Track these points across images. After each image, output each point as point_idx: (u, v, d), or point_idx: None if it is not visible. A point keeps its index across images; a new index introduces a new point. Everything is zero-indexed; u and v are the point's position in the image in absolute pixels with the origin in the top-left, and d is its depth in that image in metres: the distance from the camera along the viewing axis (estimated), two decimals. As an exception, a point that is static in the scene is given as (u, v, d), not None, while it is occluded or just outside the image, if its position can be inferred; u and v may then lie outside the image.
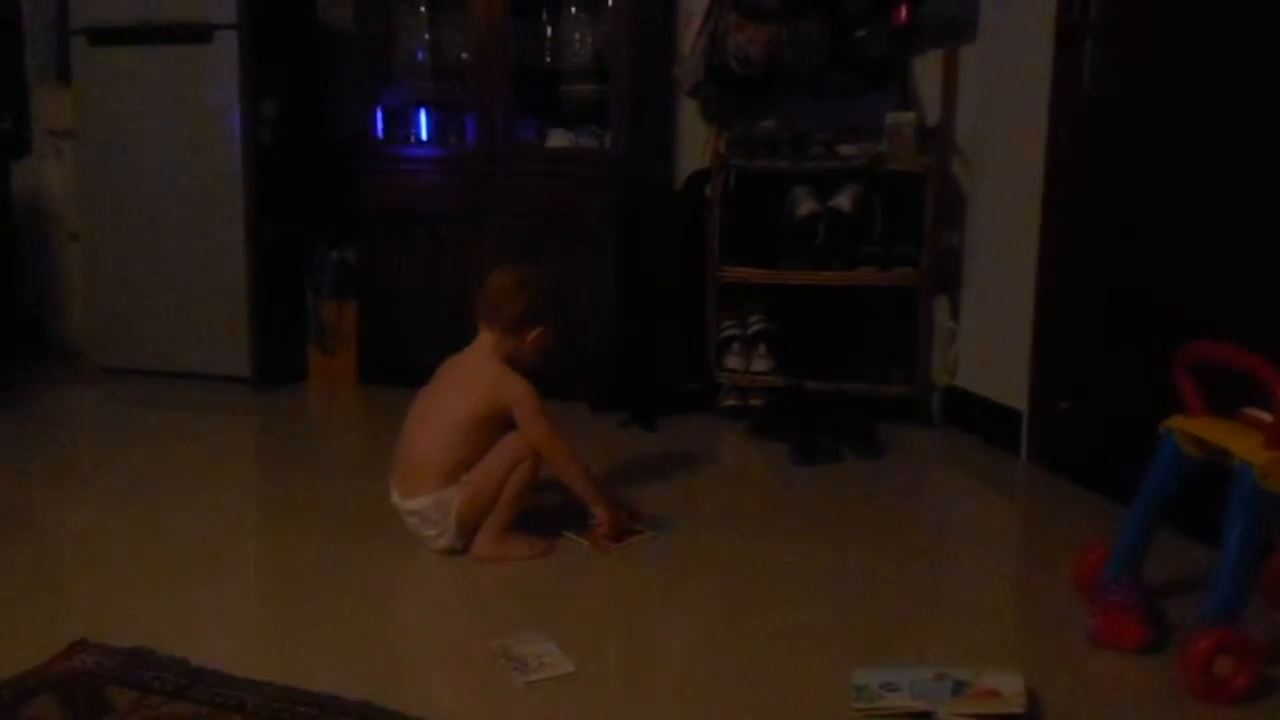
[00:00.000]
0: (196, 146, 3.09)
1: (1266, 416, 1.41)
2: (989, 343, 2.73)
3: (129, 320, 3.24)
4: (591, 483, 1.87)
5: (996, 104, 2.71)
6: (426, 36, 3.26)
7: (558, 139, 3.12)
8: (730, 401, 2.93)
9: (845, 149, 2.86)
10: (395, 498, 1.87)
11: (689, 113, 3.25)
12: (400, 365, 3.15)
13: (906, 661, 1.45)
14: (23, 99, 3.65)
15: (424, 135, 3.30)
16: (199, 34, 3.03)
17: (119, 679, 1.39)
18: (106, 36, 3.13)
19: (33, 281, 3.67)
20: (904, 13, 2.83)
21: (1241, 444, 1.41)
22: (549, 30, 3.16)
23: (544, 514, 2.01)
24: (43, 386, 3.21)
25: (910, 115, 2.84)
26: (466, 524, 1.83)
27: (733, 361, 2.97)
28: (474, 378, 1.87)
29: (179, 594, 1.70)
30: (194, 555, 1.87)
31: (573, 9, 3.14)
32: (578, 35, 3.14)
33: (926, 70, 2.95)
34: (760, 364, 2.94)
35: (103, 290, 3.27)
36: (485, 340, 1.90)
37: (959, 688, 1.35)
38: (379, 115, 3.22)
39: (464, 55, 3.14)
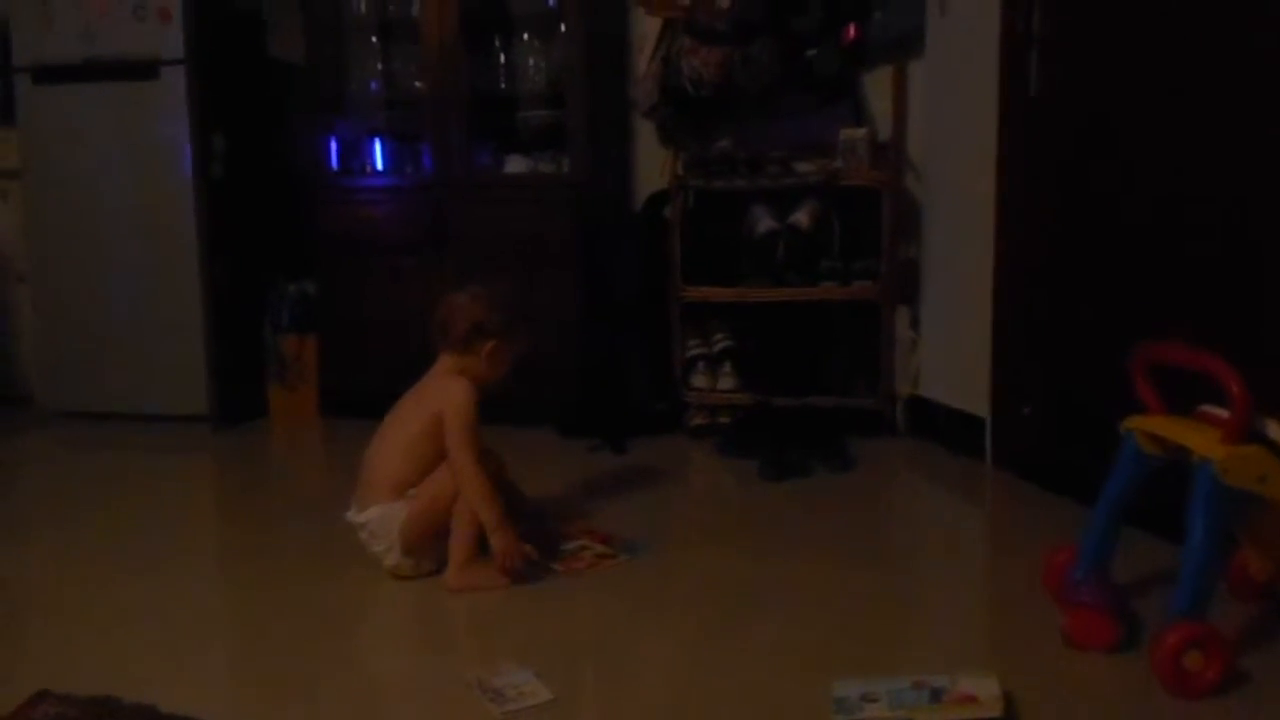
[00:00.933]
0: (147, 183, 3.06)
1: (1223, 413, 1.45)
2: (950, 351, 2.76)
3: (81, 362, 3.17)
4: (496, 511, 1.80)
5: (946, 116, 2.76)
6: (379, 66, 3.26)
7: (515, 165, 3.13)
8: (698, 420, 2.94)
9: (801, 166, 2.90)
10: (350, 512, 1.86)
11: (646, 135, 3.27)
12: (363, 398, 3.10)
13: (884, 671, 1.45)
14: (-35, 140, 3.58)
15: (379, 165, 3.29)
16: (146, 70, 3.00)
17: (82, 730, 1.35)
18: (51, 75, 3.08)
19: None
20: (852, 31, 2.88)
21: (1200, 440, 1.44)
22: (502, 57, 3.17)
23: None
24: (-9, 434, 3.13)
25: (863, 131, 2.88)
26: (411, 541, 1.81)
27: (699, 380, 2.98)
28: (429, 391, 1.88)
29: (142, 641, 1.66)
30: (156, 601, 1.83)
31: (525, 35, 3.16)
32: (532, 61, 3.16)
33: (877, 86, 2.99)
34: (726, 382, 2.95)
35: (53, 332, 3.20)
36: (444, 362, 1.90)
37: (936, 694, 1.36)
38: (333, 146, 3.21)
39: (417, 84, 3.14)
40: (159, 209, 3.06)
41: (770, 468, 2.52)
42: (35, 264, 3.23)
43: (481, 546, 1.83)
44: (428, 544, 1.84)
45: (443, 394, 1.84)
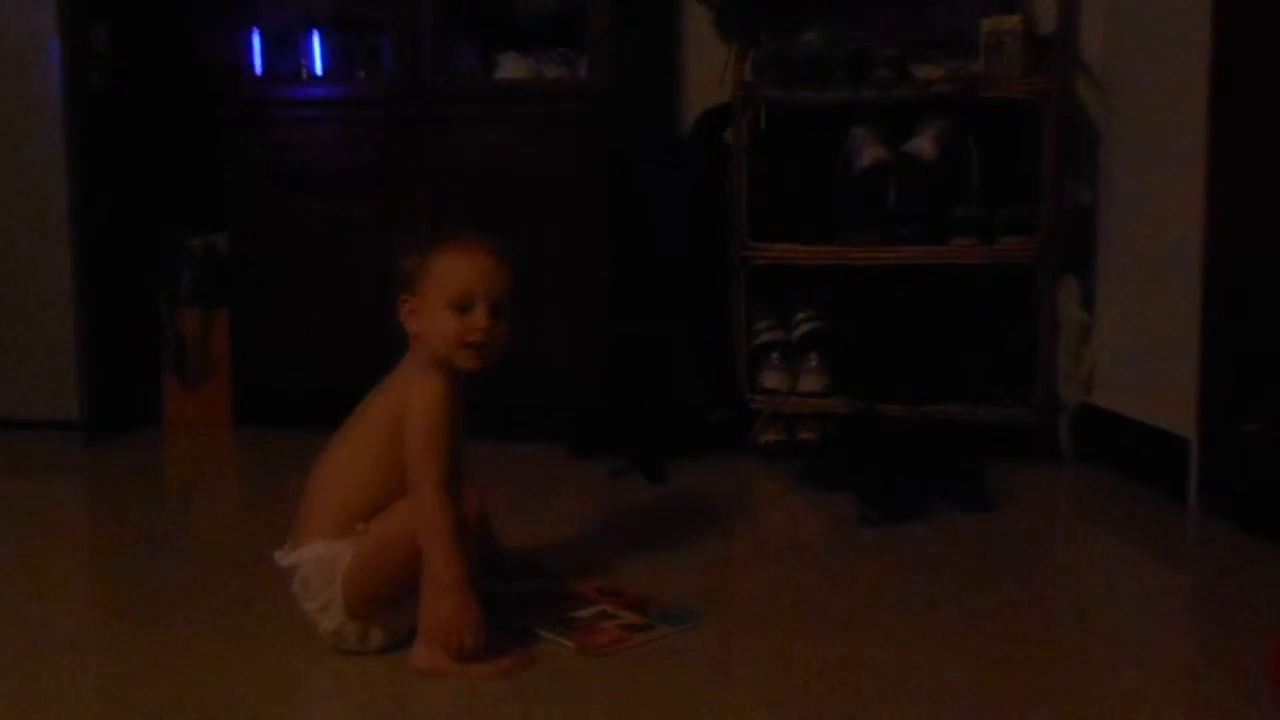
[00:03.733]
0: None
1: None
2: (1139, 342, 2.75)
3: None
4: (455, 563, 1.76)
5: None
6: (321, -71, 3.30)
7: (512, 67, 3.15)
8: (771, 436, 2.95)
9: (924, 70, 2.91)
10: (279, 553, 1.85)
11: (700, 26, 3.30)
12: (293, 399, 3.18)
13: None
14: None
15: (320, 70, 3.33)
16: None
17: None
18: None
19: None
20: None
21: None
22: (494, -88, 3.19)
23: (510, 608, 1.99)
24: None
25: (1015, 20, 2.87)
26: (357, 600, 1.79)
27: (772, 379, 3.00)
28: (391, 388, 1.88)
29: None
30: (7, 679, 1.84)
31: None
32: (536, -82, 3.17)
33: (1037, -45, 2.99)
34: (811, 381, 2.97)
35: None
36: (412, 348, 1.90)
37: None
38: (256, 43, 3.25)
39: (375, -47, 3.17)
40: (14, 130, 3.09)
41: (874, 507, 2.51)
42: None
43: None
44: (380, 604, 1.83)
45: (405, 390, 1.84)
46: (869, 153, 2.90)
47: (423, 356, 1.86)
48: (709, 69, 3.20)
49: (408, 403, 1.81)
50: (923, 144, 2.88)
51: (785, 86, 2.95)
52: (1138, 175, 2.77)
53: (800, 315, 3.04)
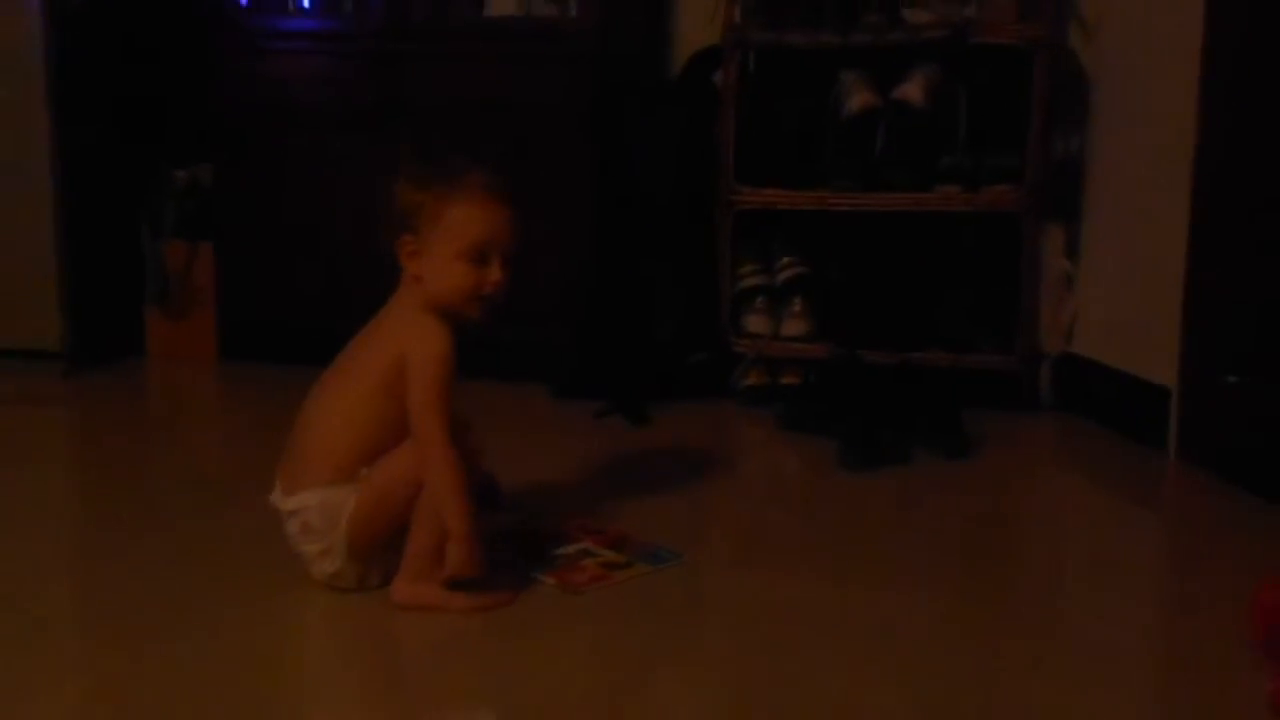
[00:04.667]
0: None
1: None
2: (1123, 292, 2.77)
3: None
4: (465, 513, 1.77)
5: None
6: None
7: (500, 3, 3.14)
8: (753, 380, 2.97)
9: (915, 15, 2.90)
10: (274, 495, 1.85)
11: None
12: (278, 331, 3.22)
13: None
14: None
15: (307, 2, 3.30)
16: None
17: None
18: None
19: None
20: None
21: None
22: None
23: (493, 545, 1.99)
24: None
25: (1008, -35, 2.86)
26: (360, 543, 1.81)
27: (755, 323, 3.00)
28: (387, 329, 1.85)
29: None
30: None
31: None
32: None
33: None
34: (794, 326, 2.98)
35: None
36: (404, 287, 1.86)
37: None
38: None
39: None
40: (-9, 54, 3.06)
41: (854, 451, 2.52)
42: None
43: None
44: (380, 546, 1.83)
45: (406, 334, 1.81)
46: (858, 98, 2.91)
47: (420, 299, 1.83)
48: (699, 9, 3.20)
49: (410, 348, 1.78)
50: (912, 90, 2.88)
51: (775, 29, 2.95)
52: (1127, 126, 2.77)
53: (785, 260, 3.05)
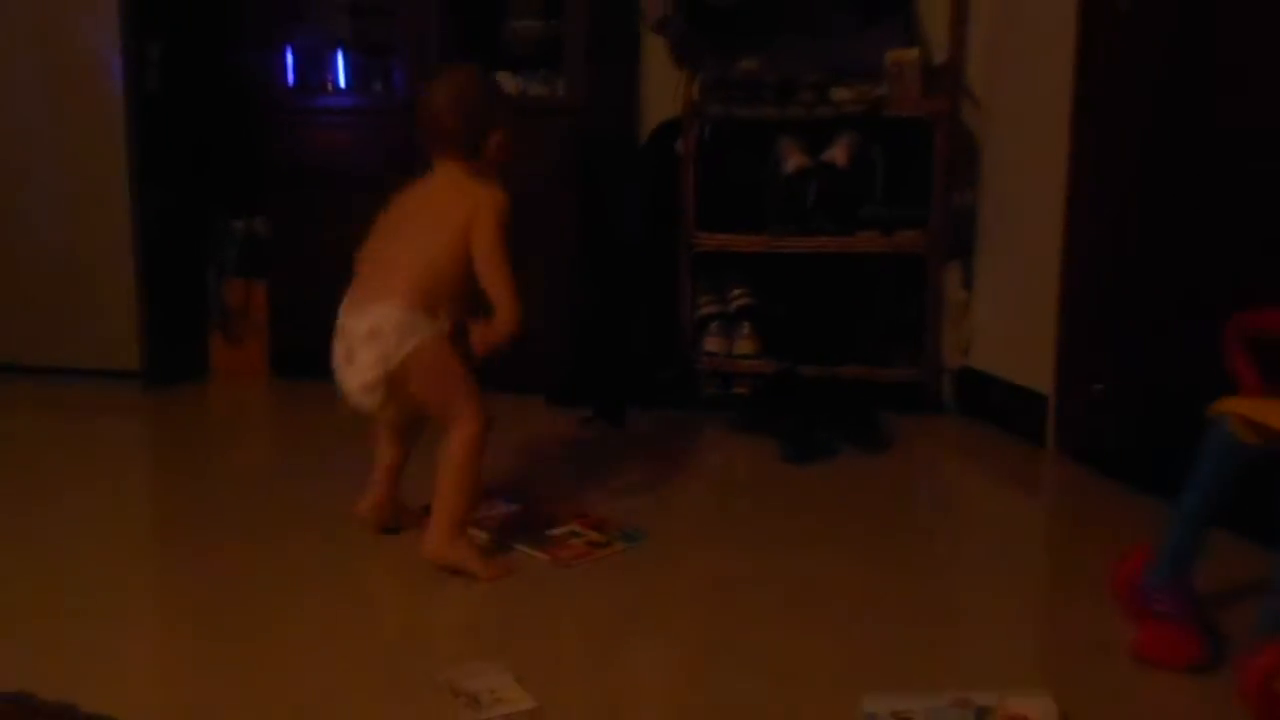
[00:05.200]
0: (69, 98, 3.03)
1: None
2: (1009, 316, 2.75)
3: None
4: (513, 291, 1.83)
5: (1014, 37, 2.73)
6: (344, -35, 3.24)
7: (502, 85, 3.08)
8: (710, 390, 2.96)
9: (839, 93, 2.88)
10: (343, 316, 1.85)
11: (657, 53, 3.24)
12: (320, 354, 3.12)
13: (920, 687, 1.44)
14: None
15: (343, 82, 3.28)
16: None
17: (-10, 731, 1.35)
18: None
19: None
20: (906, -68, 2.85)
21: (1305, 427, 1.42)
22: (490, -43, 3.13)
23: (494, 527, 2.00)
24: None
25: (914, 52, 2.85)
26: (402, 382, 1.79)
27: (712, 344, 2.98)
28: (444, 201, 1.88)
29: (64, 630, 1.66)
30: (79, 585, 1.84)
31: (517, -70, 3.11)
32: (524, -40, 3.12)
33: (932, 1, 2.96)
34: (744, 346, 2.96)
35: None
36: (449, 169, 1.91)
37: (981, 714, 1.36)
38: (289, 59, 3.20)
39: (390, -13, 3.11)
40: (83, 128, 3.04)
41: (793, 447, 2.52)
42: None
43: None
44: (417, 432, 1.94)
45: (471, 200, 1.85)
46: (793, 160, 2.89)
47: (476, 171, 1.90)
48: (663, 89, 3.17)
49: (476, 210, 1.83)
50: (837, 153, 2.86)
51: (726, 105, 2.93)
52: (1010, 182, 2.77)
53: (736, 292, 3.03)
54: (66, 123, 3.05)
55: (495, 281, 1.82)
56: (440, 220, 1.85)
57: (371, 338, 1.78)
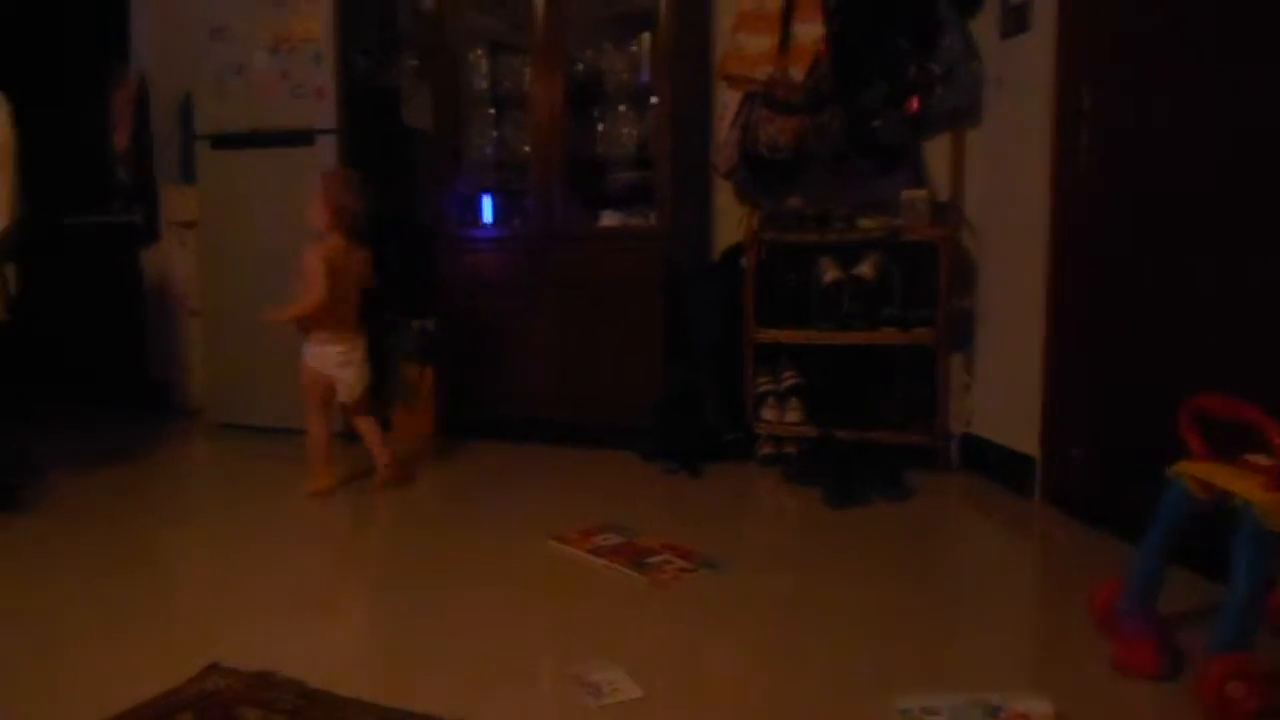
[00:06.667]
0: (301, 234, 3.09)
1: (1266, 461, 1.41)
2: (1002, 394, 2.71)
3: (243, 383, 3.32)
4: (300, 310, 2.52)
5: (1000, 180, 2.73)
6: (494, 133, 3.37)
7: (609, 219, 3.18)
8: (767, 450, 2.93)
9: (865, 222, 2.89)
10: (332, 347, 2.47)
11: (725, 194, 3.28)
12: (475, 419, 3.22)
13: (939, 689, 1.43)
14: (153, 196, 3.84)
15: (490, 218, 3.38)
16: (304, 138, 3.16)
17: (245, 699, 1.42)
18: (226, 141, 3.29)
19: (158, 352, 3.81)
20: (915, 103, 2.87)
21: (1244, 486, 1.40)
22: (599, 125, 3.24)
23: (607, 554, 2.02)
24: (166, 441, 3.30)
25: (923, 192, 2.86)
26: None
27: (768, 414, 2.96)
28: (355, 262, 2.57)
29: (297, 624, 1.71)
30: (307, 590, 1.89)
31: (620, 106, 3.23)
32: (625, 129, 3.22)
33: (936, 151, 2.97)
34: (793, 415, 2.94)
35: (220, 357, 3.38)
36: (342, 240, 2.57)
37: (993, 712, 1.34)
38: (453, 201, 3.30)
39: (525, 148, 3.23)
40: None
41: (833, 495, 2.50)
42: (206, 301, 3.42)
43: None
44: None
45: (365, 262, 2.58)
46: (830, 273, 2.89)
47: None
48: (730, 220, 3.20)
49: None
50: (865, 269, 2.86)
51: (778, 232, 2.94)
52: (1000, 291, 2.74)
53: (787, 374, 3.00)
54: (301, 250, 2.98)
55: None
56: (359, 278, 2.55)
57: (349, 361, 2.59)
